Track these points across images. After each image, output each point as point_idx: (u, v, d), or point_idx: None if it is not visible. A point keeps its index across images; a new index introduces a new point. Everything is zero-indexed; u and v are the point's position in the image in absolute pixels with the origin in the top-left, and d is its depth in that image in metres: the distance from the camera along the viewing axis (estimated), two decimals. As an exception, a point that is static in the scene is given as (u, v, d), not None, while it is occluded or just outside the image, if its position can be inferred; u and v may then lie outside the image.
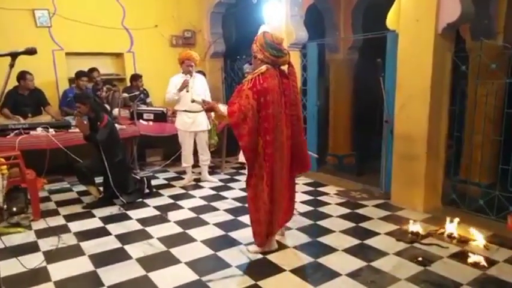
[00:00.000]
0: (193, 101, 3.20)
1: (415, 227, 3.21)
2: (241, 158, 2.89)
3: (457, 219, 3.16)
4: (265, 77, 2.59)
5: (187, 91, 4.31)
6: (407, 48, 3.64)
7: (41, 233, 3.28)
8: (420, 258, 2.73)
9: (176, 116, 4.74)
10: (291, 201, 3.01)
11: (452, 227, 3.13)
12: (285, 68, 2.79)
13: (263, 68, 2.63)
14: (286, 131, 2.72)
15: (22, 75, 4.87)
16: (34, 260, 2.76)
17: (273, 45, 2.62)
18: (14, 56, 2.11)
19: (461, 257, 2.75)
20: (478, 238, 2.98)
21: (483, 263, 2.64)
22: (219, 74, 6.82)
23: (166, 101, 4.65)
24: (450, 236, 3.07)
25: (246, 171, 2.92)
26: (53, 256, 2.86)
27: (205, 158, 4.81)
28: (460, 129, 3.79)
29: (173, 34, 6.58)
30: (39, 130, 4.42)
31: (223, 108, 2.82)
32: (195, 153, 4.80)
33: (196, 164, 4.91)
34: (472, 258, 2.69)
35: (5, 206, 3.43)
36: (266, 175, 2.68)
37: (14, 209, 3.54)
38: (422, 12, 3.48)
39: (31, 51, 2.17)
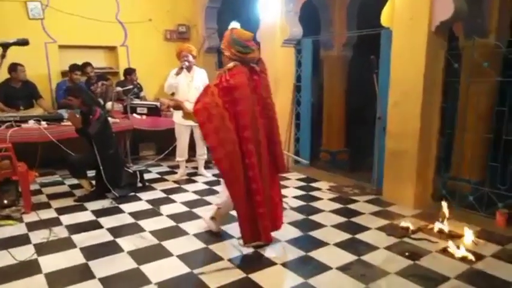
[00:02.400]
0: (157, 99, 3.18)
1: (405, 222, 3.25)
2: None
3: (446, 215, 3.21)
4: (232, 74, 2.56)
5: (183, 67, 4.39)
6: (401, 45, 3.67)
7: (32, 226, 3.27)
8: (409, 253, 2.77)
9: (170, 110, 4.72)
10: (279, 208, 2.96)
11: (441, 223, 3.18)
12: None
13: (230, 64, 2.61)
14: (261, 129, 2.69)
15: (13, 67, 4.84)
16: (25, 252, 2.75)
17: (239, 42, 2.60)
18: (5, 46, 2.09)
19: (450, 251, 2.79)
20: (467, 233, 3.02)
21: (471, 257, 2.68)
22: (213, 69, 6.80)
23: (166, 90, 4.64)
24: (440, 231, 3.11)
25: None
26: (44, 248, 2.85)
27: (201, 152, 4.82)
28: (451, 127, 3.83)
29: (167, 28, 6.55)
30: (31, 123, 4.38)
31: (189, 106, 2.77)
32: (191, 148, 4.81)
33: (189, 159, 4.92)
34: (460, 253, 2.73)
35: (-4, 199, 3.41)
36: (253, 172, 2.61)
37: (5, 201, 3.51)
38: (416, 10, 3.50)
39: (23, 42, 2.16)
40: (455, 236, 3.03)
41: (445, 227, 3.14)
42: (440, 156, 3.80)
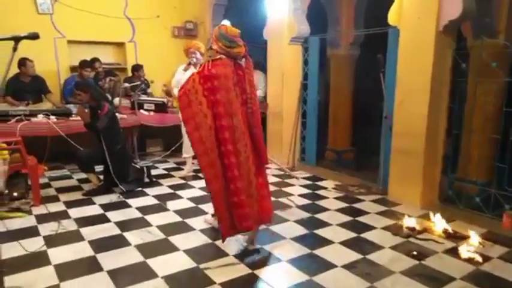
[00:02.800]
0: (152, 81, 3.18)
1: (411, 222, 3.24)
2: None
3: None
4: (215, 64, 2.64)
5: (191, 63, 4.38)
6: (408, 44, 3.66)
7: (41, 218, 3.31)
8: (415, 253, 2.77)
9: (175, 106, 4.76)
10: (267, 200, 2.93)
11: (445, 223, 3.18)
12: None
13: (216, 57, 2.70)
14: (243, 120, 2.74)
15: (22, 62, 4.89)
16: (34, 244, 2.80)
17: (226, 37, 2.68)
18: (16, 40, 2.12)
19: (456, 252, 2.79)
20: (473, 235, 3.01)
21: (477, 258, 2.68)
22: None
23: (173, 86, 4.65)
24: (446, 232, 3.11)
25: None
26: (53, 240, 2.89)
27: None
28: (458, 127, 3.81)
29: (175, 25, 6.58)
30: (40, 117, 4.43)
31: (176, 92, 2.82)
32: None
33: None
34: (467, 254, 2.73)
35: (6, 191, 3.45)
36: (228, 160, 2.61)
37: (15, 194, 3.57)
38: (424, 9, 3.49)
39: (34, 36, 2.18)
40: (461, 237, 3.03)
41: (451, 228, 3.14)
42: (447, 157, 3.79)
